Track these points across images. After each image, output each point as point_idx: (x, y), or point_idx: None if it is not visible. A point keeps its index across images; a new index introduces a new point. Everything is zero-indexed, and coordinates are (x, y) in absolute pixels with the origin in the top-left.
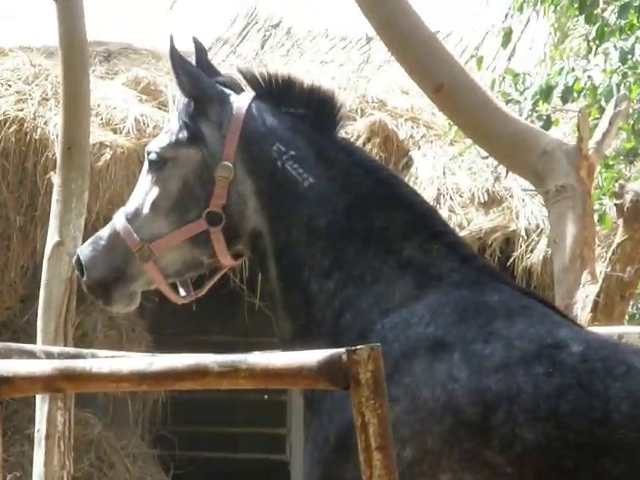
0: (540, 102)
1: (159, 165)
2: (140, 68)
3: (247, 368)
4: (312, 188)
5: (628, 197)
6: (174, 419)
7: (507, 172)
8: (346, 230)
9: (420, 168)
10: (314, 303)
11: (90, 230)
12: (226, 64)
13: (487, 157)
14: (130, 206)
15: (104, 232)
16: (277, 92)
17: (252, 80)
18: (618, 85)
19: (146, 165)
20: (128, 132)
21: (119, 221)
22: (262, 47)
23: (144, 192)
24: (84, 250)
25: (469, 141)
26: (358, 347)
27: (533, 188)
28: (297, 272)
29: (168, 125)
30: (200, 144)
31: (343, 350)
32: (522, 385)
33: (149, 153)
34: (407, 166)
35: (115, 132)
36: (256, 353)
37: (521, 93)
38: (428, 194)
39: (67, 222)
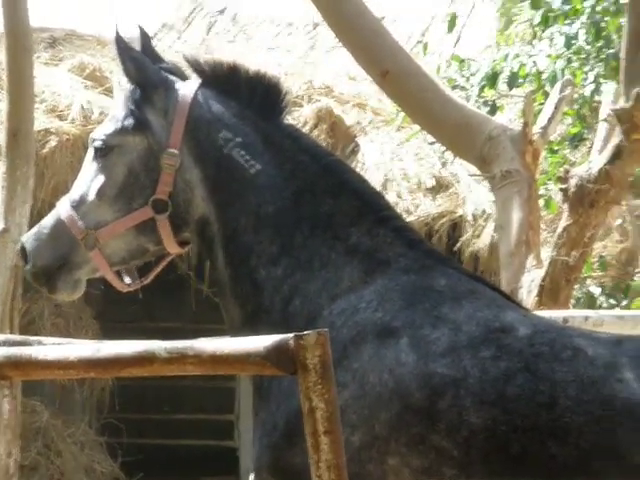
0: (486, 88)
1: (104, 152)
2: (85, 54)
3: (194, 354)
4: (259, 175)
5: (573, 182)
6: (122, 406)
7: (454, 157)
8: (294, 216)
9: (367, 154)
10: (262, 290)
11: (35, 217)
12: (172, 50)
13: (434, 143)
14: (74, 193)
15: (48, 220)
16: (222, 79)
17: (197, 67)
18: (562, 70)
19: (90, 152)
20: (73, 119)
21: (63, 209)
22: (208, 33)
23: (89, 179)
24: (28, 238)
25: (416, 127)
26: (305, 332)
27: (479, 173)
28: (245, 259)
29: (113, 112)
30: (146, 131)
31: (291, 335)
32: (469, 369)
33: (94, 140)
34: (354, 152)
35: (60, 119)
36: (203, 339)
37: (467, 79)
38: (375, 180)
39: (12, 209)
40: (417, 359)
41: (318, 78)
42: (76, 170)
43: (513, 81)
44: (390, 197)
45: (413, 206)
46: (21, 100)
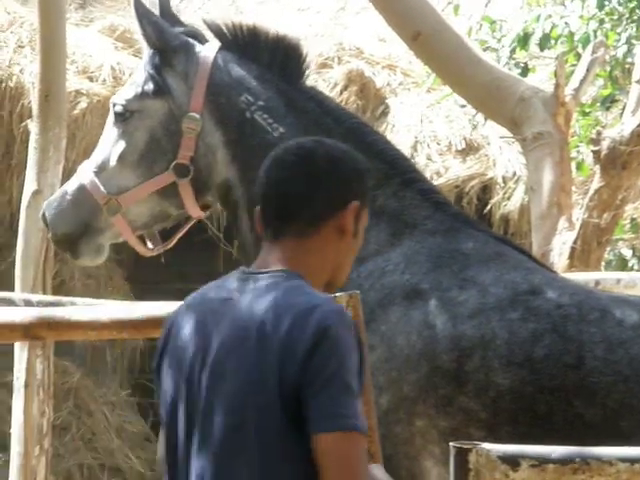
0: (517, 49)
1: (125, 117)
2: (116, 15)
3: None
4: (283, 138)
5: (605, 144)
6: (152, 367)
7: (485, 120)
8: None
9: (397, 116)
10: None
11: (66, 179)
12: (201, 12)
13: (465, 106)
14: (96, 159)
15: (70, 186)
16: (243, 42)
17: (217, 31)
18: (595, 32)
19: (111, 117)
20: (104, 80)
21: (85, 174)
22: None
23: (110, 145)
24: (49, 206)
25: (447, 89)
26: (337, 294)
27: (510, 135)
28: None
29: (133, 76)
30: (166, 96)
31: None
32: (497, 331)
33: (114, 105)
34: (384, 114)
35: (91, 80)
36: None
37: (498, 40)
38: (405, 142)
39: (45, 170)
40: (445, 321)
41: (348, 40)
42: None
43: (545, 42)
44: (420, 159)
45: (443, 168)
46: (53, 62)
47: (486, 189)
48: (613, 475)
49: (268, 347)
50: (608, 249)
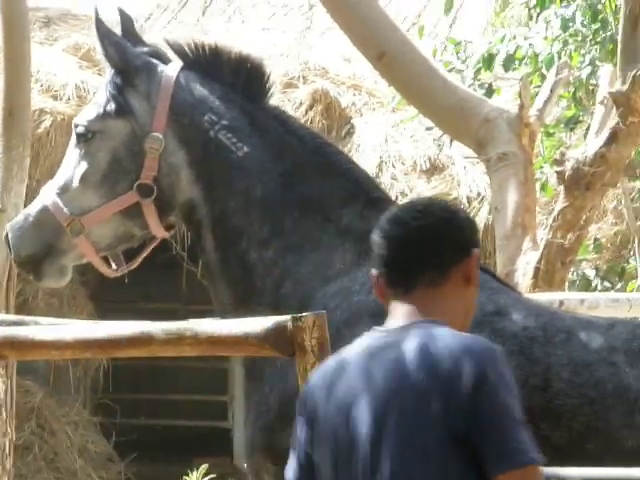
0: (482, 70)
1: (87, 138)
2: (80, 34)
3: (192, 335)
4: (247, 157)
5: (569, 164)
6: (115, 386)
7: (451, 141)
8: (283, 199)
9: (362, 136)
10: (253, 272)
11: (30, 198)
12: (166, 31)
13: (431, 128)
14: (59, 180)
15: (33, 208)
16: (205, 62)
17: (179, 50)
18: (559, 53)
19: (74, 138)
20: (69, 99)
21: (48, 196)
22: (203, 14)
23: (72, 165)
24: (12, 228)
25: (412, 110)
26: (303, 314)
27: (475, 155)
28: (235, 242)
29: (96, 96)
30: (129, 116)
31: (288, 317)
32: None
33: (77, 126)
34: (349, 134)
35: (55, 99)
36: (200, 320)
37: (463, 61)
38: (370, 162)
39: (9, 189)
40: None
41: (313, 59)
42: None
43: (509, 63)
44: (385, 179)
45: (408, 188)
46: (17, 80)
47: None
48: None
49: (431, 397)
50: (572, 269)
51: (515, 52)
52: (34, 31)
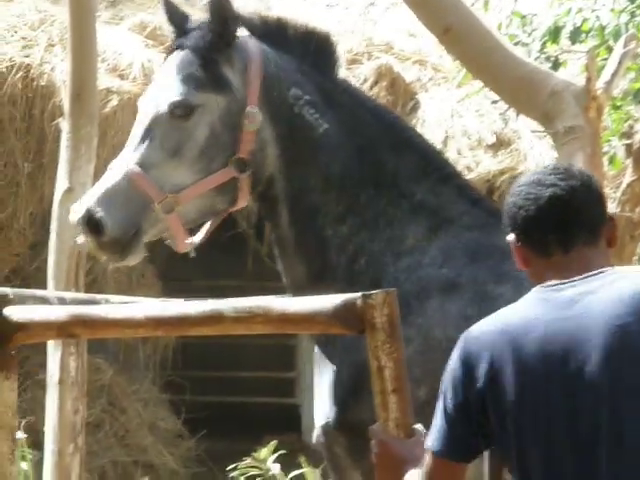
0: (548, 43)
1: (185, 112)
2: (146, 13)
3: (263, 313)
4: (326, 134)
5: (637, 137)
6: (185, 364)
7: (517, 114)
8: (359, 175)
9: (427, 111)
10: (329, 248)
11: (98, 177)
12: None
13: (496, 101)
14: (144, 156)
15: (117, 185)
16: (274, 34)
17: (248, 22)
18: (626, 24)
19: (162, 112)
20: (135, 78)
21: (134, 172)
22: None
23: (162, 140)
24: (98, 207)
25: (477, 84)
26: (373, 292)
27: (542, 129)
28: (312, 218)
29: (183, 71)
30: (227, 90)
31: (359, 295)
32: None
33: (172, 101)
34: (414, 109)
35: (122, 78)
36: (271, 298)
37: (529, 35)
38: (436, 137)
39: (77, 168)
40: (481, 314)
41: (378, 35)
42: None
43: (576, 36)
44: (450, 154)
45: (474, 163)
46: (85, 60)
47: None
48: None
49: None
50: None
51: (582, 24)
52: (100, 10)
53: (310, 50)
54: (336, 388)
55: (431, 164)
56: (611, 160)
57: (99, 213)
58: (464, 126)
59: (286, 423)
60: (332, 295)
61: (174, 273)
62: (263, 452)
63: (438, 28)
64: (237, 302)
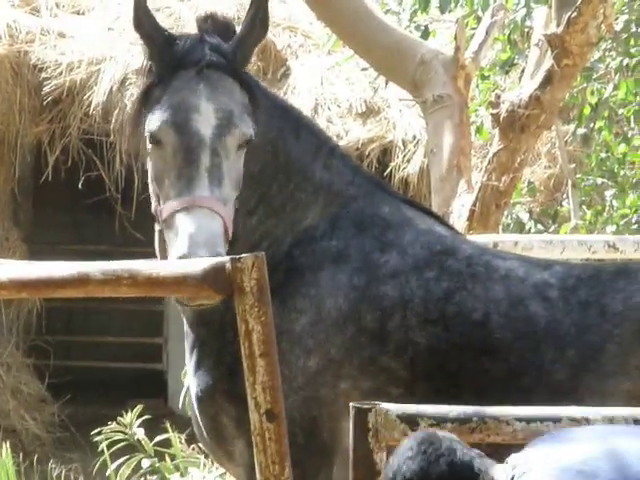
0: (418, 12)
1: (247, 143)
2: None
3: (130, 276)
4: (255, 136)
5: (504, 107)
6: (49, 328)
7: (386, 83)
8: (273, 167)
9: (298, 78)
10: (237, 240)
11: None
12: None
13: (366, 69)
14: (223, 191)
15: (217, 226)
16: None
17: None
18: None
19: (232, 144)
20: (0, 38)
21: (223, 211)
22: None
23: (230, 173)
24: (221, 252)
25: (348, 51)
26: (242, 255)
27: (411, 98)
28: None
29: (235, 99)
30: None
31: (227, 258)
32: (415, 290)
33: (246, 134)
34: (285, 76)
35: None
36: (139, 261)
37: (399, 3)
38: (306, 104)
39: None
40: (368, 283)
41: (248, 1)
42: (2, 90)
43: (445, 5)
44: (321, 122)
45: (344, 131)
46: None
47: (386, 152)
48: (510, 434)
49: None
50: (506, 212)
51: None
52: None
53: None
54: (225, 356)
55: (319, 140)
56: (479, 130)
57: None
58: (334, 94)
59: (152, 389)
60: (201, 259)
61: (40, 237)
62: (128, 417)
63: None
64: (104, 264)
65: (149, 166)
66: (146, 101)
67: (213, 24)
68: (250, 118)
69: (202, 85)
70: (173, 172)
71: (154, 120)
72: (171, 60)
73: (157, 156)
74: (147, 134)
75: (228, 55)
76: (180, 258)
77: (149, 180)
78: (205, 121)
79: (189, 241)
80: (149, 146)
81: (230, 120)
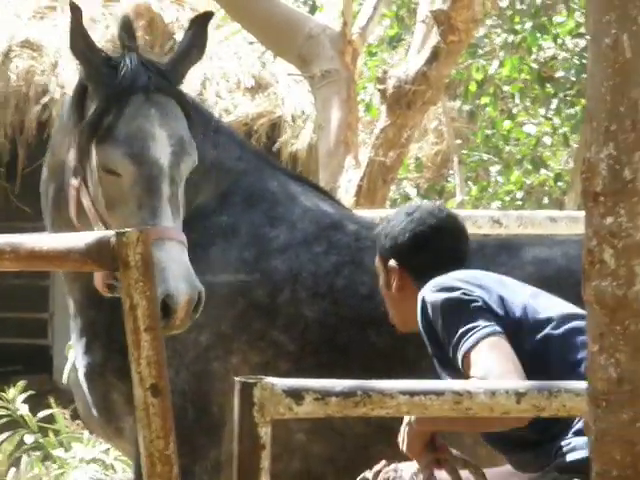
0: None
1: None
2: None
3: (12, 250)
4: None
5: (391, 82)
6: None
7: (275, 57)
8: (213, 182)
9: None
10: None
11: None
12: None
13: (253, 42)
14: (180, 219)
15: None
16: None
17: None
18: None
19: (185, 171)
20: None
21: (185, 242)
22: None
23: (182, 200)
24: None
25: (236, 25)
26: (126, 230)
27: (299, 73)
28: None
29: (183, 127)
30: None
31: (111, 232)
32: (304, 264)
33: (195, 160)
34: (172, 50)
35: None
36: (21, 235)
37: None
38: (194, 79)
39: None
40: (258, 257)
41: None
42: None
43: None
44: (209, 97)
45: (232, 106)
46: None
47: (275, 127)
48: (394, 407)
49: None
50: (393, 187)
51: None
52: None
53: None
54: (115, 337)
55: (205, 117)
56: (367, 107)
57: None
58: (222, 68)
59: (37, 364)
60: (85, 232)
61: None
62: (11, 392)
63: None
64: None
65: (97, 191)
66: (96, 128)
67: (129, 33)
68: (194, 142)
69: (153, 111)
70: (132, 201)
71: (110, 150)
72: (117, 85)
73: (111, 184)
74: (101, 164)
75: (171, 78)
76: (166, 296)
77: (90, 202)
78: (162, 149)
79: (172, 280)
80: (100, 173)
81: (182, 147)
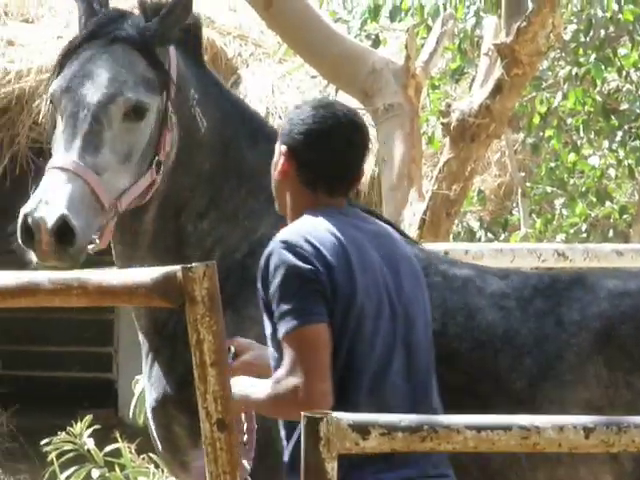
0: (368, 21)
1: (137, 114)
2: None
3: (79, 285)
4: (205, 133)
5: (454, 116)
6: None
7: (337, 91)
8: (224, 169)
9: (249, 87)
10: (186, 244)
11: None
12: None
13: (316, 76)
14: (99, 160)
15: (78, 192)
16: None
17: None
18: (444, 4)
19: (115, 111)
20: None
21: (93, 179)
22: None
23: (114, 142)
24: (70, 212)
25: (299, 60)
26: (194, 265)
27: (361, 107)
28: (177, 215)
29: (132, 70)
30: (164, 90)
31: (178, 267)
32: None
33: (130, 102)
34: (236, 84)
35: None
36: (89, 270)
37: (349, 12)
38: None
39: None
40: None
41: (199, 9)
42: None
43: (395, 14)
44: None
45: None
46: None
47: None
48: (460, 442)
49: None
50: (457, 221)
51: (401, 3)
52: None
53: (190, 41)
54: (177, 368)
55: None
56: (430, 139)
57: (73, 221)
58: (285, 102)
59: (102, 398)
60: (153, 268)
61: None
62: (77, 427)
63: (259, 3)
64: (53, 274)
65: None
66: (60, 66)
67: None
68: (148, 90)
69: (105, 56)
70: (59, 135)
71: (53, 84)
72: (88, 30)
73: (53, 118)
74: (49, 96)
75: (144, 32)
76: (25, 215)
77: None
78: (93, 89)
79: (35, 200)
80: (50, 106)
81: (119, 89)
